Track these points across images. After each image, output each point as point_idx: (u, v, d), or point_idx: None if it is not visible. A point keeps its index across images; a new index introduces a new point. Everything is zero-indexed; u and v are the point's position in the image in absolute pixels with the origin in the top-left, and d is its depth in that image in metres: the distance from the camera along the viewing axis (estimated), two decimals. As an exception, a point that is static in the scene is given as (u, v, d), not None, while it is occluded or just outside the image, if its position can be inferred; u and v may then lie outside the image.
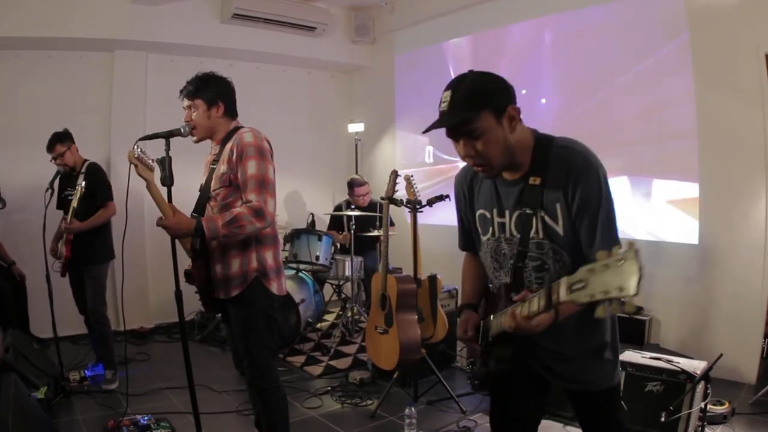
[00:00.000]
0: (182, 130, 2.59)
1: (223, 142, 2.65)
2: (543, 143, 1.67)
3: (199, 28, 5.97)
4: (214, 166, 2.65)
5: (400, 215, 6.05)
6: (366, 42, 7.11)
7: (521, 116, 1.65)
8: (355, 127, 6.90)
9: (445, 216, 6.07)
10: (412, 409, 3.32)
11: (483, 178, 1.81)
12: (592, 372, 1.79)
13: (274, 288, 2.64)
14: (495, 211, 1.77)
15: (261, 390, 2.67)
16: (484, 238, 1.83)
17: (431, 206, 4.03)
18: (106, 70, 5.80)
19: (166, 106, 5.69)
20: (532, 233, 1.67)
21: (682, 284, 4.52)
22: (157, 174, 2.53)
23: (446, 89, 1.61)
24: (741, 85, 4.05)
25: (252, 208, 2.44)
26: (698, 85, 4.26)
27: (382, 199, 4.02)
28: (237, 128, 2.68)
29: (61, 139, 4.14)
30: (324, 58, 6.97)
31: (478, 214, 1.84)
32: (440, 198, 3.99)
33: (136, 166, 2.53)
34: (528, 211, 1.65)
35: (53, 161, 4.15)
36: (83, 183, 3.93)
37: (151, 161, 2.58)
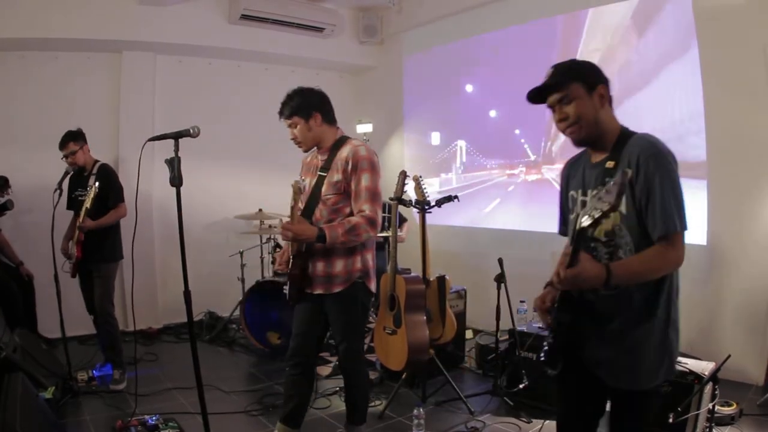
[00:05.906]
0: (191, 130, 2.58)
1: (332, 150, 2.93)
2: (626, 133, 1.88)
3: (207, 29, 5.96)
4: (323, 173, 2.91)
5: (409, 216, 6.04)
6: (374, 43, 7.09)
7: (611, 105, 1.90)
8: (364, 128, 6.88)
9: (454, 217, 6.07)
10: (421, 409, 3.33)
11: (579, 165, 2.01)
12: (634, 366, 1.85)
13: (372, 286, 2.99)
14: (580, 191, 1.96)
15: (357, 371, 3.06)
16: (571, 218, 2.00)
17: (440, 207, 4.02)
18: (114, 71, 5.79)
19: (175, 106, 5.72)
20: None
21: (690, 285, 4.39)
22: (166, 175, 2.52)
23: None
24: (749, 84, 4.02)
25: (367, 218, 2.78)
26: (706, 84, 4.22)
27: (391, 199, 4.00)
28: (344, 137, 2.99)
29: (74, 138, 4.16)
30: (332, 58, 6.96)
31: (569, 195, 2.04)
32: (449, 199, 3.98)
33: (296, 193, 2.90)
34: None
35: (64, 159, 4.16)
36: (96, 184, 3.94)
37: (300, 188, 2.95)
